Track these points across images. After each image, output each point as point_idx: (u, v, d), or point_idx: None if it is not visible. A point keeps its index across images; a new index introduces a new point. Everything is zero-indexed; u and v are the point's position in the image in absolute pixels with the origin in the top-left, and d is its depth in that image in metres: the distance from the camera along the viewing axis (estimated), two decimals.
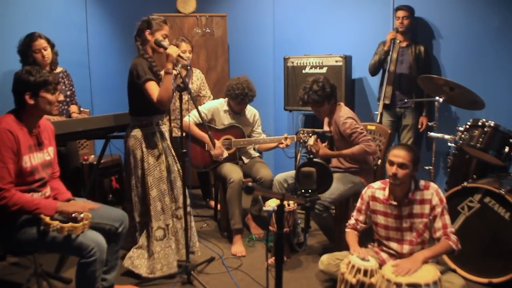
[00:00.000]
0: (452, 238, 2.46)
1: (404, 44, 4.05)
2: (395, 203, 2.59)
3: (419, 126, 4.11)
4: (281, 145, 3.55)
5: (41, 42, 3.25)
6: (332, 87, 3.23)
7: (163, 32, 2.85)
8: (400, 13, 4.03)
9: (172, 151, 3.05)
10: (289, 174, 3.39)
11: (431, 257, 2.43)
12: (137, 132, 2.89)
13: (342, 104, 3.37)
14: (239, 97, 3.59)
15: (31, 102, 2.27)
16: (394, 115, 4.15)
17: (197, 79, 4.17)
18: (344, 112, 3.24)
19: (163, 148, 2.95)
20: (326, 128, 3.47)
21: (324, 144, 3.29)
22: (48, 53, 3.28)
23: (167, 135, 3.03)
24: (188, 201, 2.99)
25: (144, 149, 2.88)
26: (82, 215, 2.27)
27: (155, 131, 2.92)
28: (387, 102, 4.01)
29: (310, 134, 3.27)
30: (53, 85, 2.32)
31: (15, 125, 2.24)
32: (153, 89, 2.75)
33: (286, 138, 3.51)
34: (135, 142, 2.89)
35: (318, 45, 4.62)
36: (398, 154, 2.52)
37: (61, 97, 2.44)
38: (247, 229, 3.74)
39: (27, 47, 3.21)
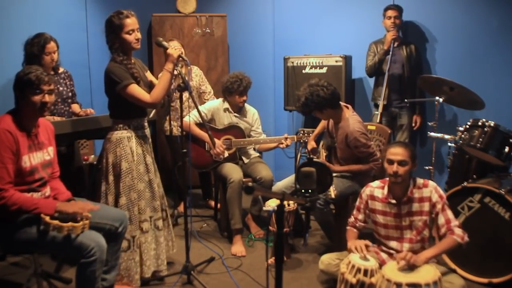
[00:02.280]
0: (456, 232, 2.45)
1: (395, 44, 4.05)
2: (394, 201, 2.59)
3: (413, 125, 4.14)
4: (281, 145, 3.55)
5: (53, 45, 3.25)
6: (319, 101, 3.04)
7: (128, 29, 2.65)
8: (391, 13, 4.03)
9: (151, 156, 2.89)
10: (288, 184, 3.34)
11: (437, 254, 2.42)
12: (112, 136, 2.76)
13: (350, 108, 3.24)
14: (236, 84, 3.60)
15: (20, 101, 2.28)
16: (389, 115, 4.16)
17: (196, 76, 4.17)
18: (357, 125, 3.10)
19: (138, 154, 2.79)
20: (326, 125, 3.47)
21: (324, 154, 3.31)
22: (56, 56, 3.30)
23: (146, 140, 2.86)
24: (166, 205, 2.98)
25: (118, 154, 2.74)
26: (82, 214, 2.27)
27: (132, 135, 2.77)
28: (385, 102, 4.02)
29: (316, 156, 3.29)
30: (35, 86, 2.25)
31: (13, 125, 2.24)
32: (138, 91, 2.66)
33: (286, 138, 3.52)
34: (109, 146, 2.76)
35: (318, 45, 4.62)
36: (397, 152, 2.53)
37: (47, 99, 2.32)
38: (247, 229, 3.74)
39: (41, 48, 3.19)
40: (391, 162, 2.53)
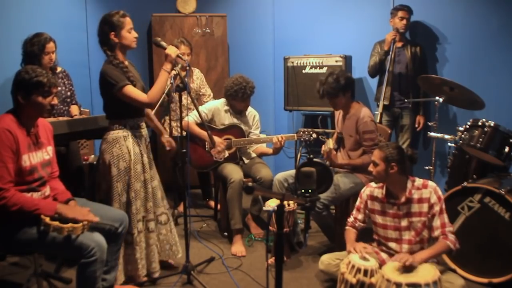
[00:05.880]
0: (450, 238, 2.46)
1: (399, 44, 4.04)
2: (392, 201, 2.60)
3: (416, 126, 4.12)
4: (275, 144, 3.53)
5: (52, 45, 3.26)
6: (347, 80, 3.21)
7: (127, 27, 2.69)
8: (403, 14, 4.02)
9: (148, 156, 2.88)
10: (289, 174, 3.39)
11: (429, 257, 2.43)
12: (109, 136, 2.75)
13: (361, 103, 3.33)
14: (240, 92, 3.59)
15: (23, 102, 2.27)
16: (392, 115, 4.15)
17: (197, 78, 4.18)
18: (369, 113, 3.23)
19: (135, 154, 2.77)
20: (336, 121, 3.48)
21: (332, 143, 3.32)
22: (54, 57, 3.30)
23: (143, 140, 2.86)
24: (166, 205, 2.97)
25: (115, 153, 2.72)
26: None
27: (128, 135, 2.76)
28: (386, 102, 4.01)
29: (320, 137, 3.31)
30: (46, 88, 2.27)
31: (13, 125, 2.24)
32: (134, 91, 2.65)
33: (282, 137, 3.52)
34: (106, 146, 2.74)
35: (318, 45, 4.62)
36: (374, 153, 2.65)
37: (55, 101, 2.36)
38: (247, 229, 3.74)
39: (41, 47, 3.20)
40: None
